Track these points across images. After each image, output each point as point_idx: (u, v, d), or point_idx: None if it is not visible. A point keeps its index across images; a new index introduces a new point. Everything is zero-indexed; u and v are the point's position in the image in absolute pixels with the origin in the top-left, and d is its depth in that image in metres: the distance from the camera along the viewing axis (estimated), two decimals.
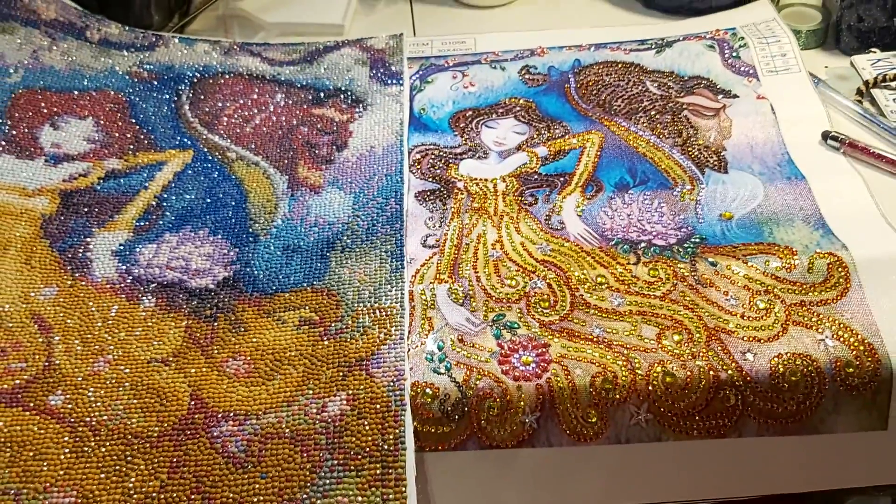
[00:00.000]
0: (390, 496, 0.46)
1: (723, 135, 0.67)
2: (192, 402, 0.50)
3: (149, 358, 0.53)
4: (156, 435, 0.49)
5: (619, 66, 0.75)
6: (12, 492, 0.47)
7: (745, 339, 0.51)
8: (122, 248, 0.60)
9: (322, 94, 0.74)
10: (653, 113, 0.69)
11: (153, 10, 0.82)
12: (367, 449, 0.47)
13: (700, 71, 0.73)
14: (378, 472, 0.47)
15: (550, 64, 0.76)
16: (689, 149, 0.65)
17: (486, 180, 0.65)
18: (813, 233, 0.57)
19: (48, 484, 0.47)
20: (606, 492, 0.50)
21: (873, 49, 0.75)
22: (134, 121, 0.71)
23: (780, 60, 0.73)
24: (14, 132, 0.68)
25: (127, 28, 0.80)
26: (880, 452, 0.51)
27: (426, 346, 0.53)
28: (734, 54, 0.74)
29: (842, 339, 0.51)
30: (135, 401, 0.51)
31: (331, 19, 0.83)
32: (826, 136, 0.65)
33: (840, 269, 0.54)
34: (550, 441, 0.50)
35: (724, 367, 0.50)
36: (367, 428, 0.48)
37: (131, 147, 0.69)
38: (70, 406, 0.50)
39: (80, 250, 0.60)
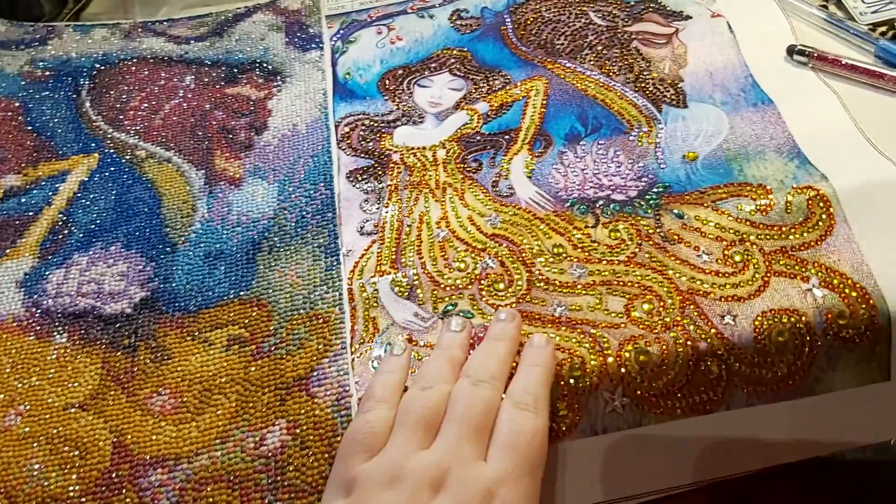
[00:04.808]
0: None
1: (678, 64, 0.60)
2: (115, 451, 0.45)
3: (64, 404, 0.47)
4: (77, 495, 0.43)
5: None
6: None
7: (723, 299, 0.46)
8: (27, 277, 0.54)
9: (235, 71, 0.67)
10: (599, 48, 0.62)
11: None
12: (314, 484, 0.42)
13: None
14: None
15: (483, 5, 0.69)
16: (643, 84, 0.59)
17: (423, 149, 0.58)
18: (787, 164, 0.51)
19: None
20: (588, 490, 0.45)
21: None
22: (30, 128, 0.64)
23: None
24: None
25: (14, 23, 0.72)
26: (886, 405, 0.46)
27: (372, 352, 0.47)
28: None
29: (830, 286, 0.45)
30: (52, 457, 0.45)
31: None
32: (791, 50, 0.58)
33: (821, 204, 0.48)
34: None
35: (703, 336, 0.44)
36: (312, 460, 0.43)
37: (30, 159, 0.62)
38: None
39: None
